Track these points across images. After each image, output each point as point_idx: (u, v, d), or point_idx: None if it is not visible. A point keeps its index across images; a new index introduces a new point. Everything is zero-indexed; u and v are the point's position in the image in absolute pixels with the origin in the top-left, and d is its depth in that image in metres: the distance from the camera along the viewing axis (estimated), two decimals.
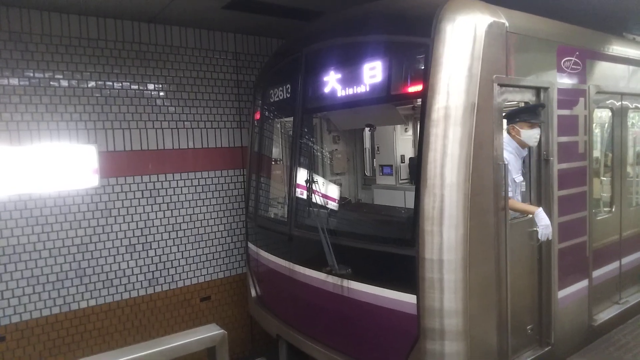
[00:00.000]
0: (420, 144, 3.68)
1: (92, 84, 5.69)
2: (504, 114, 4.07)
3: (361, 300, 4.16)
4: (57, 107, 5.47)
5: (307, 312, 5.00)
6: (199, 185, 6.61)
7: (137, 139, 6.05)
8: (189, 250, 6.54)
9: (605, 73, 5.18)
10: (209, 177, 6.71)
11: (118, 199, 5.92)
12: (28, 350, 5.39)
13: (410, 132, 6.88)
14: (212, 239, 6.79)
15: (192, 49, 6.49)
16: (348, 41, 4.57)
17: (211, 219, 6.76)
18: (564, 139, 4.54)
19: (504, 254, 3.87)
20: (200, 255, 6.69)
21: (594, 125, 5.17)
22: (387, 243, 4.05)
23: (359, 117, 5.90)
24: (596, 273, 5.05)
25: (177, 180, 6.38)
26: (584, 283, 4.87)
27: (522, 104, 4.39)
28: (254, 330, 7.19)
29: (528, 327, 4.33)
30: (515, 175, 4.26)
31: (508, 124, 4.30)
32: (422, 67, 3.74)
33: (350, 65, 4.44)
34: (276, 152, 6.52)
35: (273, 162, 6.43)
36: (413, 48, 3.88)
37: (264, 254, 5.75)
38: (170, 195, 6.33)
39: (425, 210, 3.57)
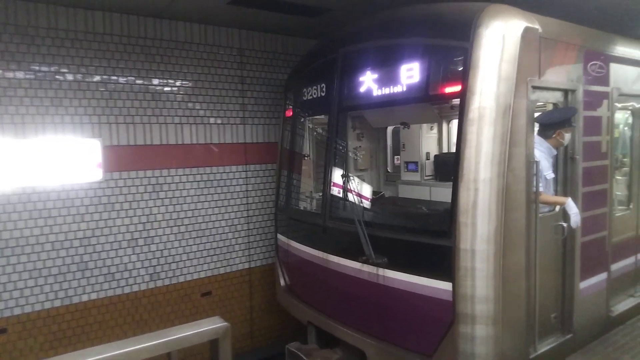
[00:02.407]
0: (459, 141, 3.91)
1: (97, 78, 5.71)
2: (542, 121, 4.46)
3: (396, 287, 4.35)
4: (62, 101, 5.50)
5: (340, 300, 5.16)
6: (201, 180, 6.64)
7: (141, 134, 6.07)
8: (191, 245, 6.57)
9: (626, 76, 5.39)
10: (211, 173, 6.74)
11: (121, 193, 5.95)
12: (29, 342, 5.42)
13: (435, 130, 7.14)
14: (214, 235, 6.80)
15: (198, 44, 6.51)
16: (386, 43, 4.78)
17: (213, 214, 6.78)
18: (588, 138, 4.80)
19: (534, 246, 4.13)
20: (202, 250, 6.70)
21: (616, 126, 5.40)
22: (424, 234, 4.28)
23: (394, 115, 6.03)
24: (614, 267, 5.31)
25: (180, 176, 6.40)
26: (603, 276, 5.14)
27: (551, 105, 4.67)
28: (254, 326, 7.23)
29: (552, 315, 4.58)
30: (546, 172, 4.41)
31: (556, 130, 4.50)
32: (461, 69, 3.96)
33: (388, 66, 4.62)
34: (309, 148, 6.69)
35: (305, 158, 6.59)
36: (452, 51, 4.11)
37: (295, 244, 5.89)
38: (173, 191, 6.36)
39: (462, 203, 3.81)
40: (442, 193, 6.24)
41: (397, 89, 4.54)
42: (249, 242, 7.13)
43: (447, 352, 3.98)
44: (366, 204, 5.84)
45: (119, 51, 5.86)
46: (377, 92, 4.76)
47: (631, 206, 5.76)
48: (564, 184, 4.72)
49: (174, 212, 6.37)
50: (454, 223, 3.84)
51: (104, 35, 5.74)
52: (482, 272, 3.77)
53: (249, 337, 7.25)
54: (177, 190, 6.39)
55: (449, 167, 6.10)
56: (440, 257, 3.99)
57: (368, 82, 4.85)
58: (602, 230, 5.10)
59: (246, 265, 7.13)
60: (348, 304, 5.06)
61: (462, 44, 3.93)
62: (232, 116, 6.90)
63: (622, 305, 5.47)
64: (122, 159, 5.93)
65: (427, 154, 7.03)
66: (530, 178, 4.06)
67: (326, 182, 5.31)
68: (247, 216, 7.08)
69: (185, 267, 6.53)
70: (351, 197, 5.12)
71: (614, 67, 5.15)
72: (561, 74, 4.50)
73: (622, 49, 5.37)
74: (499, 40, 3.84)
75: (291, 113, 6.34)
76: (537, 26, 4.09)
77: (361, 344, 4.79)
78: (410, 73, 4.40)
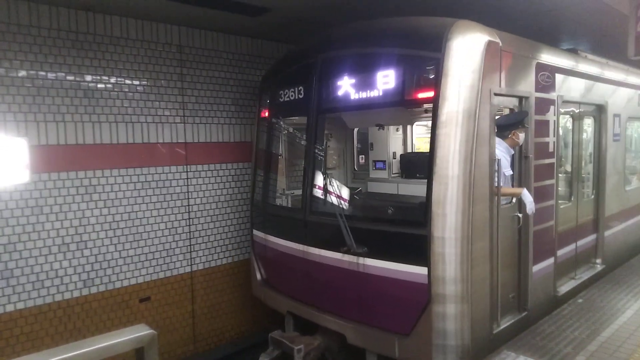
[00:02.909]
0: (432, 141, 4.37)
1: (22, 73, 5.37)
2: (500, 123, 4.97)
3: (376, 274, 4.77)
4: None
5: (320, 289, 5.48)
6: (138, 182, 6.37)
7: (72, 133, 5.76)
8: (128, 249, 6.29)
9: (568, 85, 6.14)
10: (149, 174, 6.47)
11: (51, 195, 5.61)
12: None
13: (400, 131, 7.88)
14: (153, 238, 6.56)
15: (134, 40, 6.27)
16: (365, 51, 5.16)
17: (152, 217, 6.54)
18: (538, 139, 5.43)
19: (495, 233, 4.67)
20: (139, 254, 6.45)
21: (560, 128, 6.11)
22: (402, 225, 4.84)
23: (370, 117, 6.49)
24: (559, 252, 6.06)
25: (115, 177, 6.13)
26: (551, 260, 5.83)
27: (508, 110, 5.26)
28: (197, 330, 7.04)
29: (510, 296, 5.21)
30: (505, 169, 4.98)
31: (511, 130, 5.11)
32: (433, 77, 4.42)
33: (366, 72, 5.00)
34: (284, 147, 6.97)
35: (280, 157, 6.91)
36: (426, 60, 4.53)
37: (274, 239, 6.12)
38: (108, 192, 6.07)
39: (435, 196, 4.30)
40: (408, 189, 6.97)
41: (375, 93, 4.93)
42: (190, 245, 6.93)
43: (423, 330, 4.43)
44: (346, 197, 6.13)
45: (47, 45, 5.53)
46: (355, 95, 5.11)
47: (572, 199, 6.63)
48: (519, 180, 5.34)
49: (109, 214, 6.08)
50: (429, 214, 4.31)
51: (30, 27, 5.40)
52: (453, 257, 4.26)
53: (192, 342, 7.05)
54: (112, 192, 6.11)
55: (414, 165, 7.05)
56: (416, 245, 4.42)
57: (346, 86, 5.19)
58: (550, 221, 5.77)
59: (187, 269, 6.93)
60: (328, 292, 5.38)
61: (435, 54, 4.39)
62: (171, 115, 6.67)
63: (566, 286, 6.25)
64: (51, 159, 5.59)
65: (394, 153, 7.73)
66: (492, 174, 4.57)
67: (306, 179, 5.58)
68: (188, 218, 6.87)
69: (122, 272, 6.25)
70: (332, 192, 5.48)
71: (559, 77, 5.85)
72: (517, 83, 5.10)
73: (565, 62, 6.10)
74: (468, 52, 4.35)
75: (267, 114, 6.47)
76: (498, 40, 4.63)
77: (341, 328, 5.16)
78: (387, 79, 4.80)
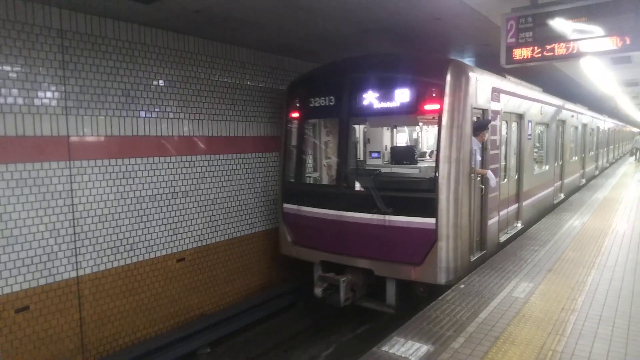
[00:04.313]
0: (438, 138, 6.93)
1: None
2: (474, 126, 7.26)
3: (398, 226, 7.06)
4: None
5: (351, 241, 7.56)
6: (12, 179, 5.70)
7: None
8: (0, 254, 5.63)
9: (507, 101, 8.73)
10: (25, 170, 5.81)
11: None
12: None
13: (389, 130, 10.96)
14: (31, 241, 5.90)
15: (4, 20, 5.54)
16: (386, 75, 7.46)
17: (28, 217, 5.80)
18: (491, 137, 7.98)
19: (472, 198, 7.15)
20: (14, 260, 5.76)
21: (504, 130, 8.93)
22: (417, 191, 7.18)
23: (389, 121, 9.86)
24: (501, 213, 8.77)
25: None
26: (496, 218, 8.46)
27: (476, 118, 7.38)
28: (86, 339, 6.60)
29: (476, 239, 7.66)
30: (478, 157, 7.47)
31: (481, 131, 7.46)
32: (437, 96, 6.83)
33: (388, 90, 7.27)
34: (313, 141, 9.24)
35: (309, 148, 9.15)
36: (434, 85, 6.87)
37: (308, 209, 8.19)
38: None
39: (441, 172, 6.78)
40: (398, 171, 9.33)
41: (394, 104, 7.25)
42: (75, 248, 6.14)
43: (430, 259, 6.78)
44: (372, 175, 7.96)
45: None
46: (377, 105, 7.42)
47: (505, 179, 9.16)
48: (482, 163, 7.73)
49: None
50: (437, 183, 6.76)
51: None
52: (451, 211, 6.72)
53: (79, 352, 6.53)
54: None
55: (400, 154, 9.63)
56: (428, 204, 6.80)
57: (371, 98, 7.50)
58: (496, 192, 8.29)
59: (73, 274, 6.33)
60: (359, 242, 7.47)
61: (440, 81, 6.83)
62: (51, 105, 5.99)
63: (504, 236, 8.93)
64: None
65: (386, 146, 10.73)
66: (470, 159, 7.01)
67: (340, 162, 7.87)
68: (73, 219, 6.05)
69: None
70: (362, 171, 8.07)
71: (503, 96, 8.44)
72: (481, 100, 7.48)
73: (506, 84, 8.73)
74: (459, 81, 6.86)
75: (297, 115, 8.51)
76: (475, 73, 7.18)
77: (370, 265, 7.38)
78: (405, 96, 7.15)
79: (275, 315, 9.02)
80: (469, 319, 5.15)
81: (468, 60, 10.50)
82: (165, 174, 7.50)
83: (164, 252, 7.56)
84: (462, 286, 6.25)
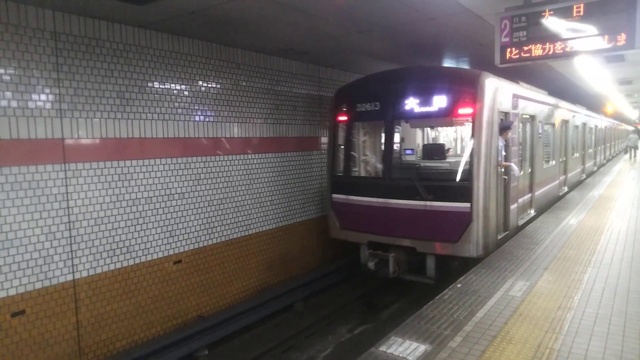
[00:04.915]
0: (472, 137, 8.20)
1: None
2: (500, 126, 8.60)
3: (438, 210, 8.35)
4: None
5: (396, 224, 8.84)
6: (6, 182, 5.68)
7: None
8: None
9: (525, 105, 10.18)
10: (20, 174, 5.80)
11: None
12: None
13: (420, 130, 13.11)
14: (26, 245, 5.89)
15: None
16: (426, 84, 8.76)
17: (24, 221, 5.74)
18: (513, 136, 9.30)
19: (498, 186, 8.43)
20: (10, 264, 5.73)
21: (521, 129, 10.44)
22: (455, 181, 8.41)
23: (428, 123, 11.17)
24: (520, 200, 10.15)
25: None
26: (516, 204, 9.80)
27: (500, 120, 8.67)
28: (83, 342, 6.57)
29: (501, 222, 8.93)
30: (503, 152, 8.70)
31: (505, 131, 8.75)
32: (469, 102, 8.15)
33: (427, 96, 8.62)
34: (359, 140, 10.42)
35: (355, 146, 10.32)
36: (468, 92, 8.22)
37: (355, 197, 9.47)
38: None
39: (474, 165, 8.05)
40: (429, 165, 10.73)
41: (433, 109, 8.59)
42: (71, 251, 6.12)
43: (466, 237, 8.10)
44: (413, 168, 9.72)
45: None
46: (418, 109, 8.77)
47: (522, 172, 10.37)
48: (506, 157, 8.95)
49: None
50: (471, 174, 8.07)
51: None
52: (483, 198, 8.02)
53: (77, 355, 6.50)
54: None
55: (432, 151, 11.34)
56: (464, 191, 8.11)
57: (412, 104, 8.81)
58: (516, 182, 9.62)
59: (69, 277, 6.28)
60: (403, 225, 8.77)
61: (473, 89, 8.15)
62: (46, 107, 5.96)
63: (521, 220, 10.28)
64: None
65: (418, 144, 12.18)
66: (497, 155, 8.34)
67: (386, 157, 9.17)
68: (68, 221, 6.00)
69: None
70: (405, 164, 9.81)
71: (521, 101, 9.86)
72: (505, 105, 8.85)
73: (522, 90, 10.16)
74: (489, 89, 8.16)
75: (345, 118, 9.83)
76: (500, 82, 8.54)
77: (413, 243, 8.69)
78: (443, 101, 8.47)
79: (273, 317, 9.08)
80: (466, 318, 5.16)
81: (463, 60, 11.23)
82: (162, 176, 7.49)
83: (160, 255, 7.56)
84: (458, 285, 6.22)
